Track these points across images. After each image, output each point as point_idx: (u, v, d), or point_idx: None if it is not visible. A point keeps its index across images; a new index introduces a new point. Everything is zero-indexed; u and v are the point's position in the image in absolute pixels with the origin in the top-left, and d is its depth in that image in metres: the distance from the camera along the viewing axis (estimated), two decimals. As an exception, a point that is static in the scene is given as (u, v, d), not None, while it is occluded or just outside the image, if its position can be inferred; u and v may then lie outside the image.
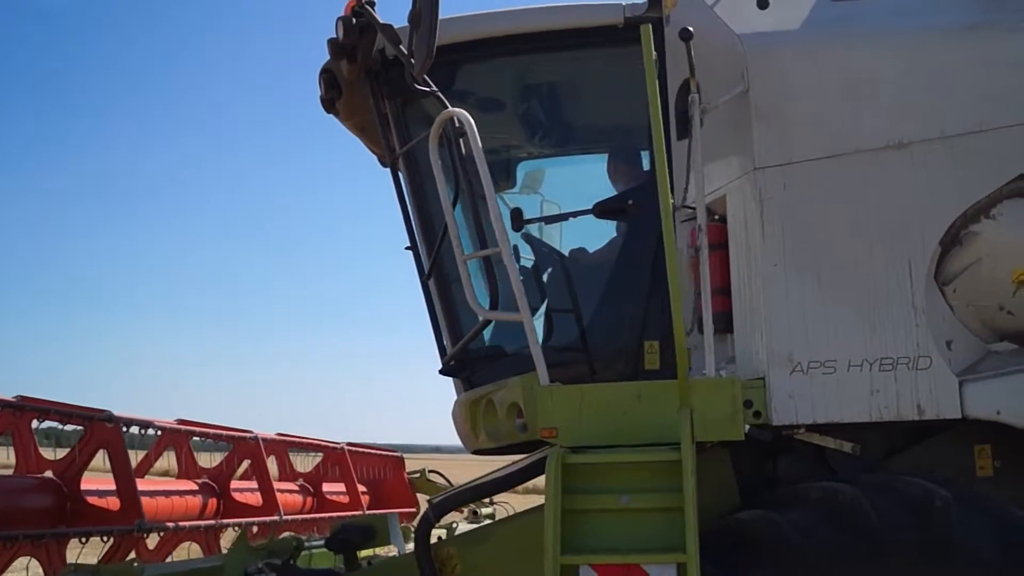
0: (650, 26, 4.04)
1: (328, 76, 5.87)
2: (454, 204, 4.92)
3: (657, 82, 4.00)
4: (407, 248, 5.67)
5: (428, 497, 10.73)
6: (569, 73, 5.78)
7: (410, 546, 5.57)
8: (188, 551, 7.43)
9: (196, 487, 7.39)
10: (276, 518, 7.79)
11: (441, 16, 4.69)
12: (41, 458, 5.88)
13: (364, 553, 5.88)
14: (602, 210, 5.33)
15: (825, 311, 4.29)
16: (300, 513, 8.61)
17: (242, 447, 7.88)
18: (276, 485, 8.38)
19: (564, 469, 3.83)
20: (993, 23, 4.46)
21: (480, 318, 4.67)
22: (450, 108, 4.68)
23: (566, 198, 6.10)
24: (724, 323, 4.64)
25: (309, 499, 8.98)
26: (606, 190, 5.73)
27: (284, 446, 9.00)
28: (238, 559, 4.81)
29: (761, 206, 4.39)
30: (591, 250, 5.74)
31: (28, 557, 5.52)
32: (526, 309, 4.37)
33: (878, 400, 4.19)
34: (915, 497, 3.86)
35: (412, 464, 11.15)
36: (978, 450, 4.52)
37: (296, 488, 8.98)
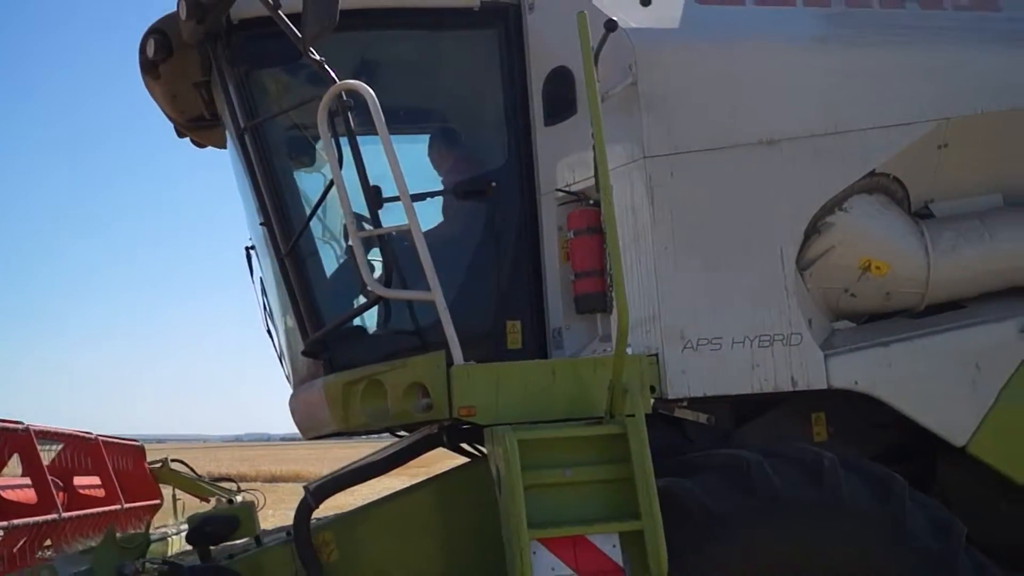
0: (586, 13, 4.09)
1: (160, 37, 5.45)
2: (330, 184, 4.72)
3: (594, 68, 4.08)
4: (261, 224, 5.35)
5: (171, 487, 10.21)
6: (418, 53, 5.73)
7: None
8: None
9: (-45, 487, 6.51)
10: (55, 516, 7.03)
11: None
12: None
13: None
14: (465, 191, 5.36)
15: (711, 291, 4.63)
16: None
17: (11, 439, 7.03)
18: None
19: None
20: (839, 36, 5.00)
21: (377, 296, 4.54)
22: (346, 81, 4.50)
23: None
24: (600, 302, 4.88)
25: (61, 494, 8.15)
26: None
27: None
28: (107, 559, 4.38)
29: (651, 192, 4.65)
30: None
31: None
32: (438, 287, 4.34)
33: (759, 374, 4.61)
34: (807, 460, 4.28)
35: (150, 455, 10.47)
36: (815, 418, 5.10)
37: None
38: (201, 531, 4.80)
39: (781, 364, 4.62)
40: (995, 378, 4.77)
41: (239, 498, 9.77)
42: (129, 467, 9.71)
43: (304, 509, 4.75)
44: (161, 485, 10.13)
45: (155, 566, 4.40)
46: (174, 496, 10.24)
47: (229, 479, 10.78)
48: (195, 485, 10.20)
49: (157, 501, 9.92)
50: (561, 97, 5.11)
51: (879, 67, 4.92)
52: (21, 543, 6.97)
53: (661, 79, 4.73)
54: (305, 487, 4.81)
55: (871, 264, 4.88)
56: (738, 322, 4.62)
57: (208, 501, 10.06)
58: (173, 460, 10.24)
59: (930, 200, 5.16)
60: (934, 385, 4.73)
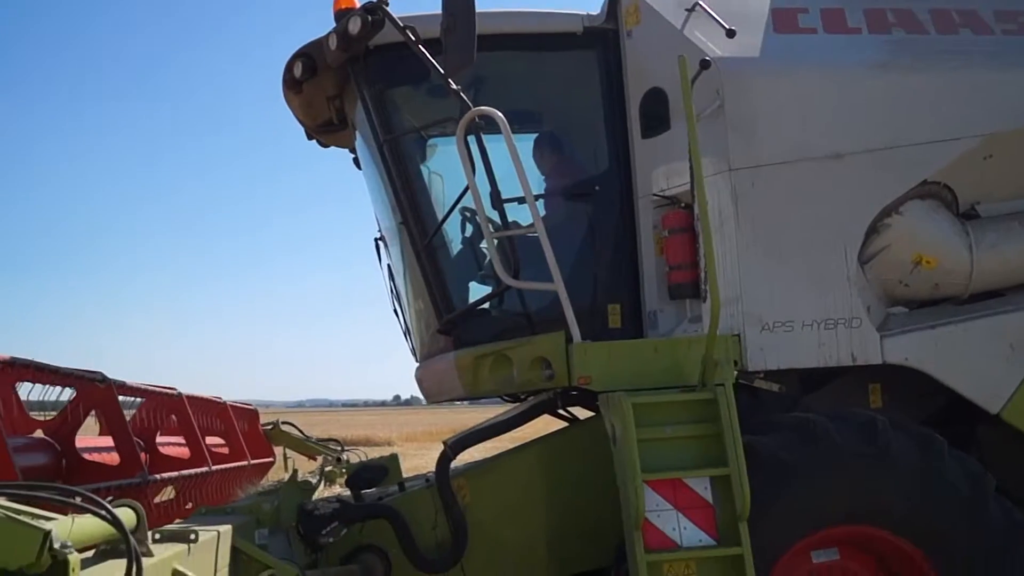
0: (685, 57, 4.98)
1: (306, 60, 6.35)
2: (465, 190, 5.57)
3: (692, 99, 4.94)
4: (400, 223, 6.30)
5: (283, 447, 11.31)
6: (530, 70, 6.60)
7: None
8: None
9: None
10: (206, 469, 8.11)
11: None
12: (30, 419, 6.02)
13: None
14: (573, 193, 6.29)
15: (785, 283, 5.50)
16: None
17: (168, 403, 8.08)
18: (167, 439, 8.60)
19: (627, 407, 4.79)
20: (897, 63, 5.81)
21: (506, 285, 5.44)
22: (479, 108, 5.31)
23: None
24: (692, 290, 5.78)
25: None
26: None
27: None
28: (291, 496, 5.37)
29: (736, 199, 5.52)
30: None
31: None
32: (560, 279, 5.24)
33: (824, 351, 5.48)
34: (862, 421, 5.16)
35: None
36: (872, 388, 5.97)
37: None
38: (360, 477, 5.82)
39: (843, 343, 5.48)
40: None
41: (344, 456, 10.83)
42: (246, 428, 10.80)
43: (444, 460, 5.74)
44: (273, 445, 11.24)
45: (330, 503, 5.40)
46: (284, 455, 11.35)
47: (334, 440, 11.82)
48: (304, 445, 11.28)
49: (271, 459, 11.00)
50: (656, 114, 5.98)
51: (933, 88, 5.71)
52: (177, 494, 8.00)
53: (744, 102, 5.57)
54: (444, 442, 5.79)
55: (922, 259, 5.72)
56: (807, 308, 5.48)
57: (316, 459, 11.13)
58: (283, 422, 11.33)
59: (976, 203, 5.95)
60: (974, 362, 5.56)
